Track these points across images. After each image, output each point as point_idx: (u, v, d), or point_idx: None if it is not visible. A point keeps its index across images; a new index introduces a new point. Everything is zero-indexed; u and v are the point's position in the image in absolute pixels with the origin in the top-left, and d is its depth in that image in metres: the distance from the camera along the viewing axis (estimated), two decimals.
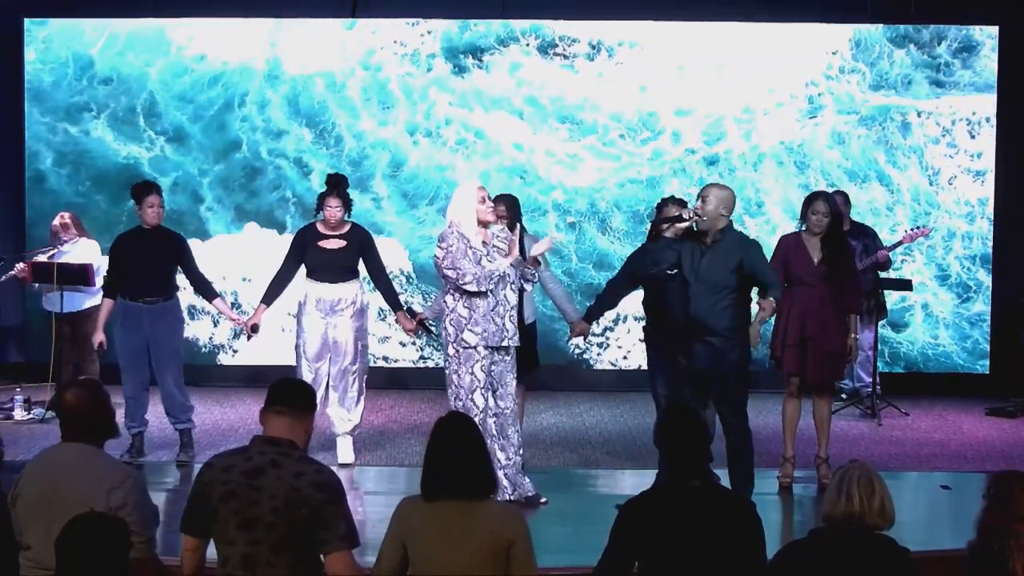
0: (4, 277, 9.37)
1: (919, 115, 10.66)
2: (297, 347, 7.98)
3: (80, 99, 10.74)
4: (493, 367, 6.87)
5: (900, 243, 9.69)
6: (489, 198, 6.91)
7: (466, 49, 10.71)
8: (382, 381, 10.21)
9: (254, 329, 8.03)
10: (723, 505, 4.31)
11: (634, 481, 7.48)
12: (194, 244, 9.06)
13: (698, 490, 4.30)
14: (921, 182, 10.67)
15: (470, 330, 6.81)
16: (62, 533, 3.69)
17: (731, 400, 6.84)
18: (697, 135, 10.69)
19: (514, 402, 6.99)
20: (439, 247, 6.87)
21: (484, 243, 6.85)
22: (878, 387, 9.67)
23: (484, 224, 6.86)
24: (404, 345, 10.69)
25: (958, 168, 10.68)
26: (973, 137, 10.66)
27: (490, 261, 6.81)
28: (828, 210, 7.43)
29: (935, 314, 10.73)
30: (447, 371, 6.92)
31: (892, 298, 10.24)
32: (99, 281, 8.87)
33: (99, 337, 8.08)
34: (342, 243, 7.88)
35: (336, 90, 10.71)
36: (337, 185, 7.82)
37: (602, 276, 10.24)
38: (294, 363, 8.03)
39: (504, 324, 6.84)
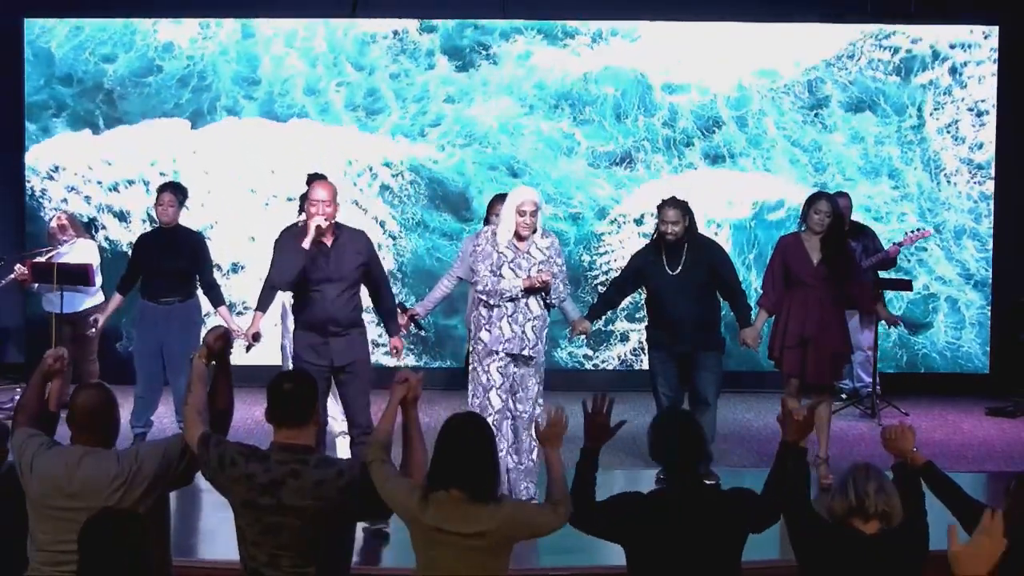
0: (4, 281, 9.37)
1: (925, 109, 10.65)
2: (283, 348, 7.97)
3: (39, 98, 10.74)
4: (515, 370, 6.88)
5: (901, 244, 9.69)
6: (532, 213, 6.84)
7: (459, 45, 10.70)
8: (382, 381, 10.18)
9: (255, 338, 8.02)
10: (717, 508, 4.30)
11: (634, 481, 7.49)
12: None
13: (691, 496, 4.30)
14: (924, 178, 10.67)
15: (487, 330, 6.85)
16: (83, 532, 3.74)
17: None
18: (698, 133, 10.68)
19: (533, 407, 6.96)
20: (475, 243, 6.98)
21: (519, 249, 6.84)
22: (878, 387, 9.67)
23: (517, 236, 6.86)
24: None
25: (964, 165, 10.68)
26: (977, 128, 10.66)
27: (512, 270, 6.81)
28: (831, 210, 7.44)
29: (952, 313, 10.73)
30: (469, 367, 6.99)
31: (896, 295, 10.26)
32: (99, 281, 8.89)
33: (101, 320, 8.21)
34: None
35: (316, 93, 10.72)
36: None
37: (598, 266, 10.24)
38: (281, 365, 8.02)
39: (524, 332, 6.84)
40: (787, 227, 10.34)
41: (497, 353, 6.83)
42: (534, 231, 6.89)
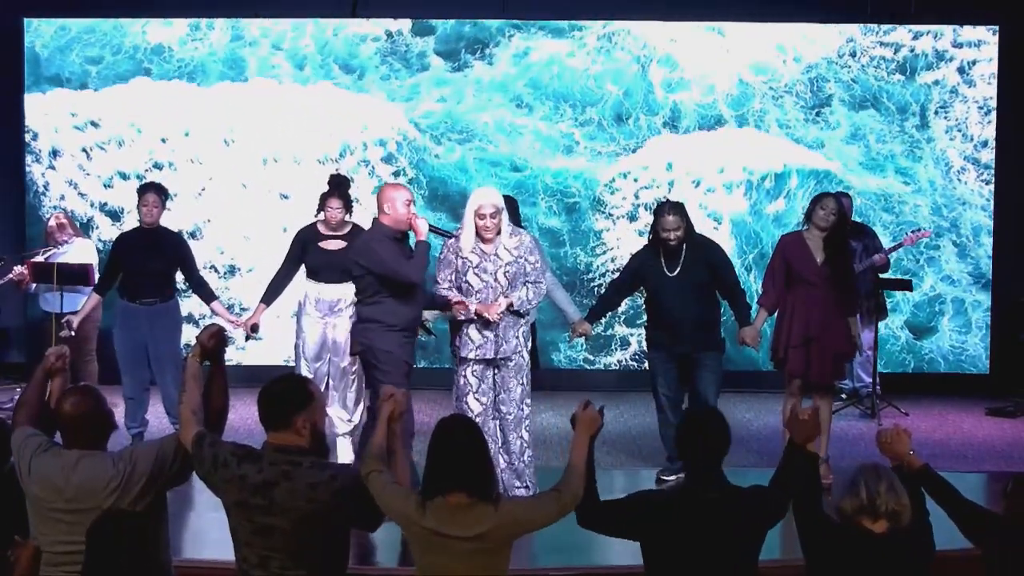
0: (2, 280, 9.36)
1: (930, 107, 10.64)
2: (296, 347, 8.01)
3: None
4: (496, 373, 6.87)
5: (900, 245, 9.69)
6: (492, 216, 6.77)
7: (457, 44, 10.68)
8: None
9: (254, 329, 8.04)
10: (737, 507, 4.28)
11: (634, 481, 7.49)
12: None
13: (715, 501, 4.27)
14: (933, 176, 10.65)
15: (458, 336, 6.88)
16: (90, 532, 3.75)
17: None
18: (699, 131, 10.67)
19: (519, 409, 6.96)
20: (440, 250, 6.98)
21: (484, 253, 6.82)
22: (878, 387, 9.66)
23: (481, 239, 6.84)
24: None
25: (970, 164, 10.67)
26: (983, 126, 10.65)
27: (477, 275, 6.80)
28: (836, 208, 7.44)
29: (957, 315, 10.71)
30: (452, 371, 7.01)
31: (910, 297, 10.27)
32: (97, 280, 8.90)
33: (75, 321, 8.22)
34: (343, 244, 7.88)
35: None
36: (339, 185, 7.84)
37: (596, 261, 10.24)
38: (293, 363, 8.05)
39: (496, 335, 6.82)
40: (786, 221, 10.38)
41: (469, 359, 6.82)
42: (498, 232, 6.83)
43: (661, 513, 4.27)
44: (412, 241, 6.90)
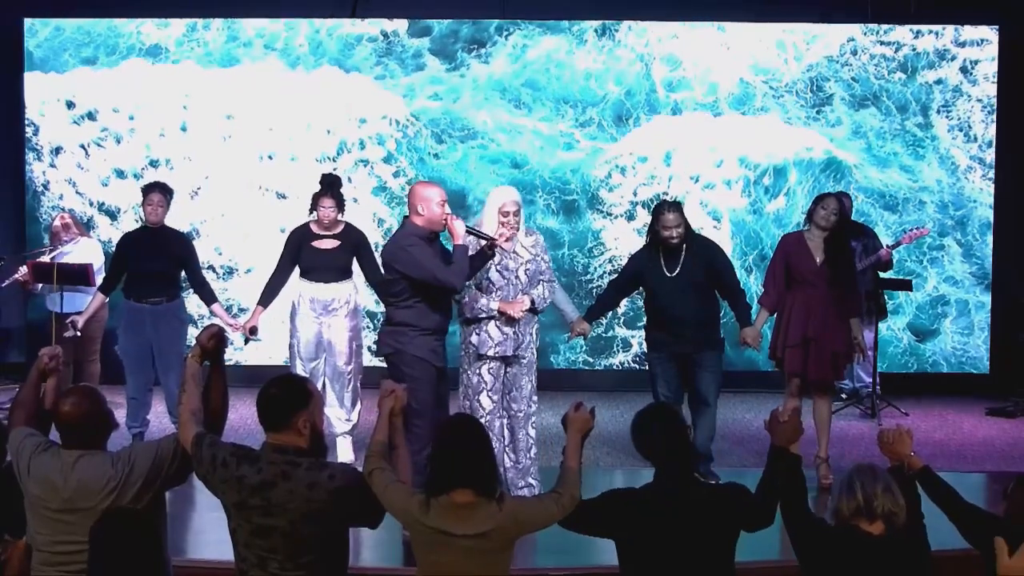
0: (6, 282, 9.35)
1: (932, 106, 10.63)
2: (291, 347, 8.00)
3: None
4: (508, 370, 6.87)
5: (899, 243, 9.69)
6: (515, 213, 6.75)
7: (455, 45, 10.67)
8: (372, 382, 10.19)
9: (252, 331, 8.04)
10: (709, 503, 4.28)
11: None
12: None
13: (687, 498, 4.27)
14: (941, 175, 10.64)
15: (476, 334, 6.82)
16: (94, 530, 3.80)
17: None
18: (702, 133, 10.67)
19: (528, 405, 6.96)
20: None
21: (504, 250, 6.80)
22: (878, 387, 9.66)
23: (501, 237, 6.83)
24: None
25: (976, 163, 10.66)
26: (986, 125, 10.64)
27: (499, 272, 6.80)
28: (838, 208, 7.46)
29: (960, 317, 10.71)
30: (459, 369, 6.96)
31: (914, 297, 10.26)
32: (100, 280, 8.88)
33: (79, 321, 8.22)
34: (336, 243, 7.88)
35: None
36: (331, 185, 7.83)
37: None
38: (289, 363, 8.05)
39: (516, 332, 6.82)
40: (787, 220, 10.38)
41: (488, 356, 6.82)
42: (517, 230, 6.84)
43: (634, 511, 4.28)
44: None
